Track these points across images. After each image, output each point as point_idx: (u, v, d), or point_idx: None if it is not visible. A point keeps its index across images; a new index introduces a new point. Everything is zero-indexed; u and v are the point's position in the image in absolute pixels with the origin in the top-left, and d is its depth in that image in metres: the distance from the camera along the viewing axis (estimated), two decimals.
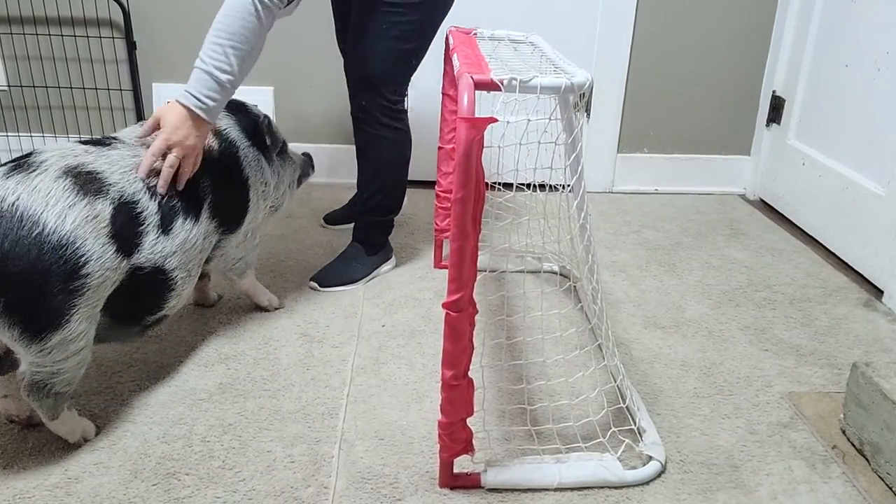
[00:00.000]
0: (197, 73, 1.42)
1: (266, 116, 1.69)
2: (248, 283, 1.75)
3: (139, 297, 1.35)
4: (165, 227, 1.36)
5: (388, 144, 1.88)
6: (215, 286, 1.85)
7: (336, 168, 2.32)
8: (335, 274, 1.94)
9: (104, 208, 1.24)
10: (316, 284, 1.92)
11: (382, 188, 1.93)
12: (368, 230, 1.99)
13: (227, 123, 1.59)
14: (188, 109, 1.40)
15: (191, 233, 1.42)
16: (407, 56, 1.80)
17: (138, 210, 1.31)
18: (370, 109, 1.83)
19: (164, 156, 1.38)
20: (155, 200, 1.35)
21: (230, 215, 1.56)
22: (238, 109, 1.65)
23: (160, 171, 1.37)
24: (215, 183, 1.49)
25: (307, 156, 1.92)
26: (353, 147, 1.95)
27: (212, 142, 1.52)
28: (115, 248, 1.25)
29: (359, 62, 1.78)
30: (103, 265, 1.22)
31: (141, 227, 1.31)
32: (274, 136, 1.70)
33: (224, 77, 1.42)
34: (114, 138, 1.41)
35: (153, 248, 1.34)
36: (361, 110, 1.85)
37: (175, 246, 1.38)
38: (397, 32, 1.73)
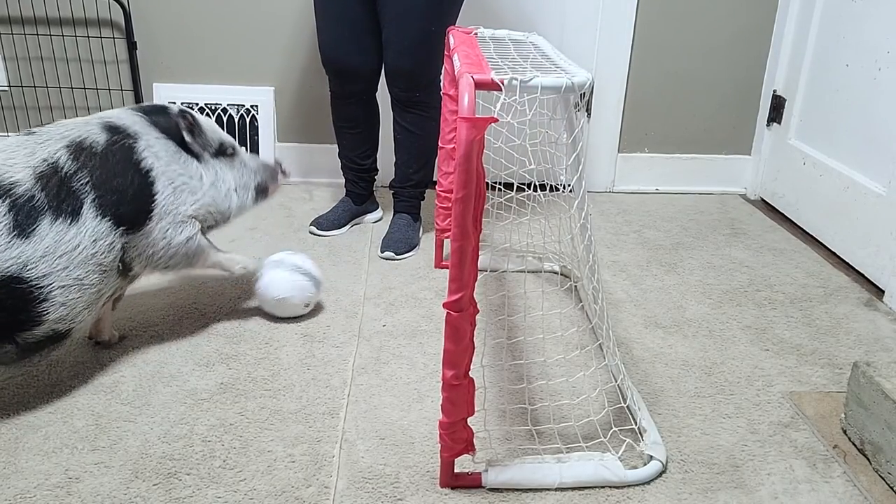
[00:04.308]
0: None
1: (188, 114, 1.58)
2: (209, 262, 1.62)
3: None
4: (22, 229, 1.24)
5: (434, 123, 2.06)
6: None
7: (337, 168, 2.32)
8: (404, 243, 2.12)
9: None
10: (392, 254, 2.09)
11: (428, 162, 2.16)
12: (413, 201, 2.21)
13: (131, 119, 1.51)
14: None
15: (65, 235, 1.30)
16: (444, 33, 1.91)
17: None
18: (424, 99, 1.99)
19: None
20: (6, 201, 1.25)
21: (128, 210, 1.43)
22: (154, 111, 1.57)
23: None
24: (100, 178, 1.39)
25: (278, 164, 1.81)
26: None
27: (97, 135, 1.43)
28: None
29: (407, 57, 1.91)
30: None
31: None
32: (199, 133, 1.59)
33: None
34: (32, 132, 1.38)
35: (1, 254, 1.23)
36: (414, 101, 1.99)
37: (42, 250, 1.26)
38: (432, 15, 1.86)
